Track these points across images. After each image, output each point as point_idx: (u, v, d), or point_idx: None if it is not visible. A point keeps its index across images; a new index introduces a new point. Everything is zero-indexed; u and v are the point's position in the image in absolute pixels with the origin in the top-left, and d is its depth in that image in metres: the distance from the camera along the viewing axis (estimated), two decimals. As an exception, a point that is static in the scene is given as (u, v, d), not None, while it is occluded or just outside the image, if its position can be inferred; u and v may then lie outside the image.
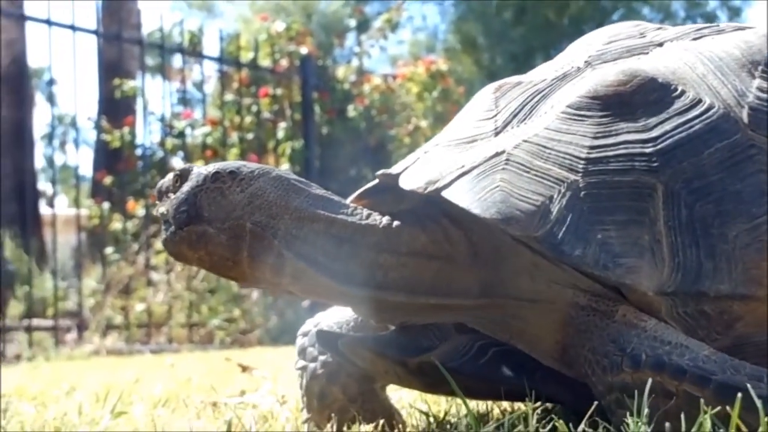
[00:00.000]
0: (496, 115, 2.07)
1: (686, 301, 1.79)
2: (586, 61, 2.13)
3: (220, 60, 10.37)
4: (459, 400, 2.11)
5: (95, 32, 9.59)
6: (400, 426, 2.24)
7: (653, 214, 1.80)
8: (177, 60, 12.48)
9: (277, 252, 1.94)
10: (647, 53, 2.11)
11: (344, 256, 1.98)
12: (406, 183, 2.05)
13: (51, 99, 15.61)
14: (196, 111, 11.23)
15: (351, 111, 10.84)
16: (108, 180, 10.44)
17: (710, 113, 1.90)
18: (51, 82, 14.73)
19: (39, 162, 21.51)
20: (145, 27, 13.39)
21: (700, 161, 1.85)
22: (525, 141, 1.95)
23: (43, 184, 21.03)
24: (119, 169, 10.43)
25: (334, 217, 1.99)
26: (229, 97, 10.47)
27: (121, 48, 11.08)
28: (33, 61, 37.60)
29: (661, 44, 2.13)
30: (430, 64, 11.87)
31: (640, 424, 1.60)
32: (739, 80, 1.97)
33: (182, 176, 1.99)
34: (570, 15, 23.02)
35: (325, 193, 2.04)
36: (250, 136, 10.34)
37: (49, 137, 16.24)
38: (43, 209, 15.63)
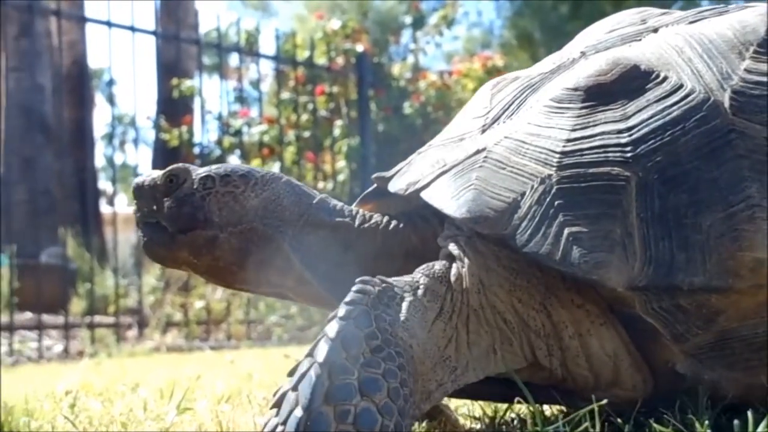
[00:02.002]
0: (488, 112, 2.05)
1: (660, 296, 1.72)
2: (581, 52, 2.09)
3: (276, 58, 10.40)
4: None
5: (154, 33, 9.69)
6: (454, 426, 2.23)
7: (626, 207, 1.74)
8: (234, 59, 12.60)
9: (285, 255, 1.93)
10: (640, 40, 2.05)
11: (345, 264, 1.96)
12: (392, 185, 2.04)
13: (111, 99, 15.83)
14: (252, 109, 11.33)
15: (407, 108, 10.83)
16: (167, 179, 10.51)
17: (689, 99, 1.83)
18: (110, 83, 14.97)
19: (99, 161, 21.76)
20: (202, 27, 13.50)
21: (676, 149, 1.78)
22: (506, 137, 1.92)
23: (104, 183, 21.34)
24: (177, 167, 10.50)
25: (339, 222, 1.99)
26: (285, 95, 10.51)
27: (179, 48, 11.19)
28: (93, 62, 38.10)
29: (656, 30, 2.07)
30: (486, 60, 11.82)
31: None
32: (726, 63, 1.89)
33: (178, 177, 1.93)
34: (627, 8, 22.76)
35: (330, 200, 2.03)
36: (306, 134, 10.38)
37: (109, 137, 16.46)
38: (104, 208, 15.87)
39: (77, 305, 9.57)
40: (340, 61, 10.74)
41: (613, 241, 1.71)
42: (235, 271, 1.94)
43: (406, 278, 1.78)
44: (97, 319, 8.74)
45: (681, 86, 1.85)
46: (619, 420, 1.79)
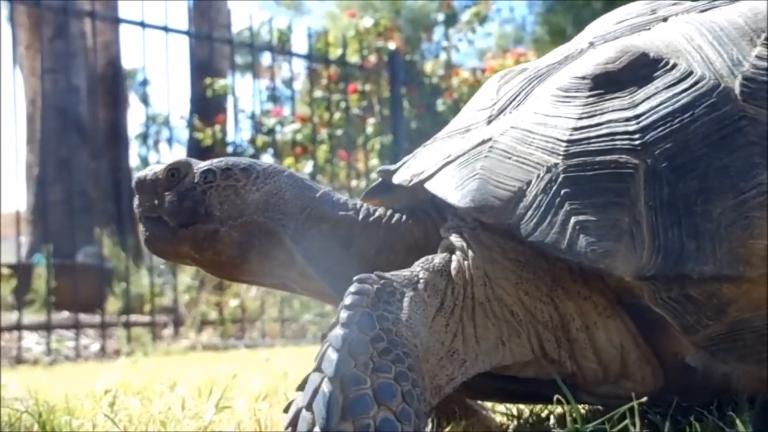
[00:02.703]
0: (494, 104, 2.02)
1: (669, 285, 1.68)
2: (590, 42, 2.06)
3: (308, 57, 10.42)
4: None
5: (187, 33, 9.76)
6: (490, 426, 2.22)
7: (634, 195, 1.70)
8: (266, 58, 12.60)
9: (287, 249, 1.92)
10: (649, 29, 2.02)
11: (347, 258, 1.94)
12: (397, 177, 2.02)
13: (145, 99, 15.93)
14: (285, 108, 11.32)
15: (440, 105, 10.82)
16: (201, 178, 10.56)
17: (699, 85, 1.79)
18: (144, 83, 15.08)
19: (134, 161, 21.92)
20: (234, 26, 13.54)
21: (686, 136, 1.74)
22: (512, 127, 1.90)
23: (138, 183, 21.42)
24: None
25: (343, 216, 1.97)
26: (318, 93, 10.53)
27: (211, 47, 11.24)
28: (127, 62, 38.35)
29: (665, 19, 2.04)
30: (519, 56, 11.75)
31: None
32: (737, 49, 1.85)
33: (179, 171, 1.92)
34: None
35: (333, 193, 2.02)
36: (339, 132, 10.39)
37: (144, 136, 16.61)
38: (139, 207, 15.93)
39: (113, 304, 9.64)
40: (372, 59, 10.74)
41: (621, 229, 1.68)
42: (237, 264, 1.93)
43: (405, 272, 1.76)
44: (133, 318, 8.80)
45: (690, 73, 1.82)
46: (658, 417, 1.77)
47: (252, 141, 10.68)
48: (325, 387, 1.48)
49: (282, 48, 10.42)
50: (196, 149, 11.61)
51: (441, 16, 12.49)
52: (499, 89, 2.06)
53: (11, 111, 7.88)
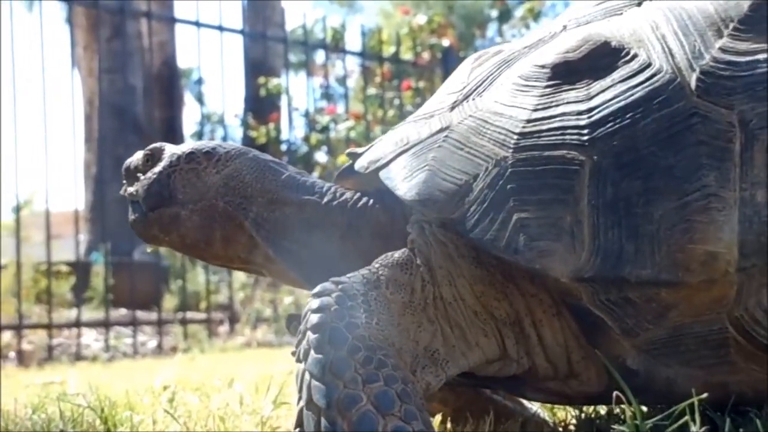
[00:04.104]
0: (463, 88, 1.95)
1: (608, 288, 1.62)
2: (563, 26, 1.96)
3: (362, 55, 10.43)
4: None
5: (241, 32, 9.83)
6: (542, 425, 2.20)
7: (577, 193, 1.63)
8: (320, 56, 12.66)
9: (248, 233, 1.90)
10: (621, 14, 1.90)
11: (311, 243, 1.91)
12: (358, 162, 1.96)
13: (199, 98, 16.01)
14: (339, 106, 11.36)
15: (494, 101, 10.76)
16: (255, 175, 10.62)
17: (655, 79, 1.69)
18: (199, 82, 15.16)
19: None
20: (288, 25, 13.61)
21: (634, 133, 1.65)
22: (470, 116, 1.84)
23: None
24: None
25: (306, 200, 1.93)
26: (371, 91, 10.53)
27: (265, 46, 11.33)
28: (182, 61, 38.74)
29: (640, 3, 1.92)
30: (573, 52, 11.66)
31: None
32: (701, 40, 1.73)
33: (153, 156, 1.94)
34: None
35: (301, 175, 1.98)
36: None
37: (198, 135, 16.66)
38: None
39: (169, 302, 9.74)
40: (426, 56, 10.72)
41: (561, 228, 1.62)
42: (203, 247, 1.94)
43: (363, 272, 1.71)
44: (189, 315, 8.87)
45: (649, 65, 1.73)
46: (718, 413, 1.74)
47: (306, 139, 10.71)
48: (326, 420, 1.46)
49: (335, 46, 10.44)
50: (250, 147, 11.68)
51: (494, 13, 12.43)
52: (471, 72, 1.99)
53: (69, 111, 7.97)
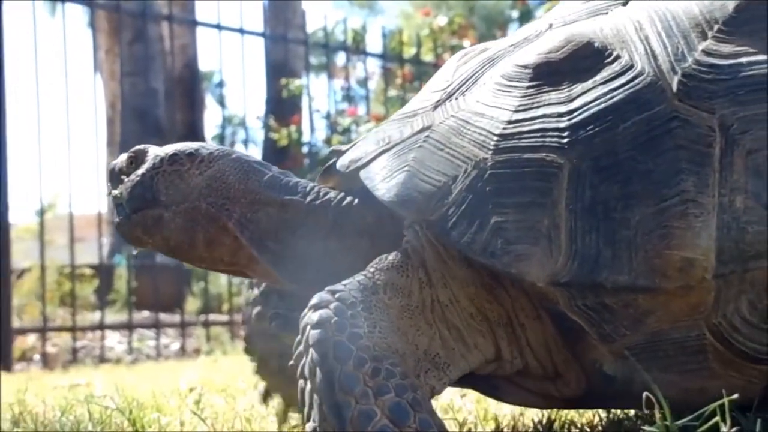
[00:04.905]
0: (447, 87, 1.92)
1: (584, 293, 1.60)
2: (549, 24, 1.93)
3: (383, 56, 10.44)
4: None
5: (262, 34, 9.85)
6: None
7: (556, 196, 1.61)
8: (341, 58, 12.67)
9: (232, 234, 1.90)
10: (606, 13, 1.87)
11: (295, 243, 1.90)
12: (340, 161, 1.95)
13: (221, 101, 16.10)
14: (360, 107, 11.38)
15: (515, 102, 10.73)
16: (276, 178, 10.64)
17: (636, 81, 1.67)
18: (220, 84, 15.24)
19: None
20: (309, 27, 13.63)
21: (614, 136, 1.62)
22: (452, 116, 1.82)
23: (215, 184, 21.64)
24: (286, 167, 10.49)
25: (290, 200, 1.92)
26: (392, 92, 10.51)
27: (286, 48, 11.32)
28: (203, 64, 38.84)
29: (625, 3, 1.88)
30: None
31: None
32: (684, 42, 1.71)
33: (137, 157, 1.94)
34: None
35: (285, 176, 1.97)
36: (414, 131, 10.37)
37: (220, 138, 16.72)
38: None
39: (192, 304, 9.77)
40: (447, 57, 10.66)
41: (539, 232, 1.60)
42: (187, 249, 1.93)
43: (359, 278, 1.68)
44: (212, 317, 8.91)
45: (631, 67, 1.70)
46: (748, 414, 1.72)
47: (327, 141, 10.70)
48: None
49: (356, 48, 10.44)
50: (272, 150, 11.72)
51: (515, 13, 12.39)
52: (456, 70, 1.97)
53: (92, 114, 8.00)
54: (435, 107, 1.89)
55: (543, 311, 1.73)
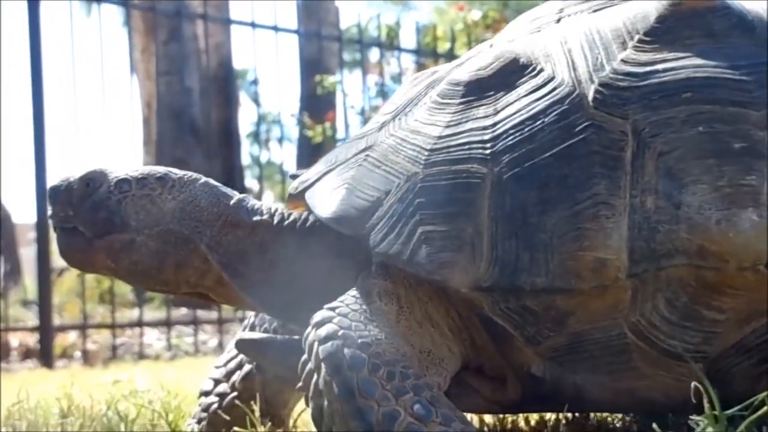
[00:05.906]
0: (394, 109, 2.00)
1: (506, 297, 1.66)
2: (491, 45, 2.03)
3: (417, 52, 10.44)
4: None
5: (296, 32, 9.89)
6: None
7: (479, 205, 1.68)
8: (375, 54, 12.65)
9: (203, 256, 1.93)
10: (540, 31, 1.97)
11: (263, 264, 1.94)
12: (292, 184, 2.02)
13: (255, 98, 16.21)
14: (394, 103, 11.32)
15: (549, 96, 10.69)
16: (312, 175, 10.67)
17: (555, 92, 1.75)
18: (255, 82, 15.31)
19: (245, 160, 22.29)
20: (342, 23, 13.63)
21: (532, 145, 1.70)
22: (392, 135, 1.88)
23: (250, 182, 21.81)
24: (323, 164, 10.64)
25: (258, 221, 1.97)
26: (427, 88, 10.50)
27: (320, 45, 11.31)
28: (237, 62, 39.05)
29: (559, 20, 1.98)
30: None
31: None
32: (605, 53, 1.78)
33: (94, 180, 1.92)
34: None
35: (249, 199, 2.01)
36: (449, 126, 10.36)
37: (255, 135, 16.85)
38: (251, 205, 16.15)
39: (229, 301, 9.79)
40: (481, 51, 10.67)
41: (463, 240, 1.66)
42: (154, 274, 1.95)
43: (351, 292, 1.74)
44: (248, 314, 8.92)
45: (552, 79, 1.78)
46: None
47: (362, 137, 10.71)
48: None
49: (390, 43, 10.43)
50: (307, 147, 11.76)
51: (549, 7, 12.33)
52: (405, 93, 2.04)
53: (128, 114, 8.08)
54: (380, 128, 1.97)
55: (474, 317, 1.77)
